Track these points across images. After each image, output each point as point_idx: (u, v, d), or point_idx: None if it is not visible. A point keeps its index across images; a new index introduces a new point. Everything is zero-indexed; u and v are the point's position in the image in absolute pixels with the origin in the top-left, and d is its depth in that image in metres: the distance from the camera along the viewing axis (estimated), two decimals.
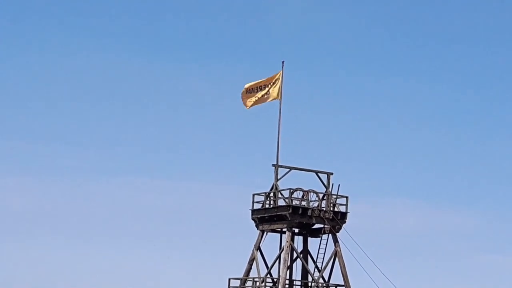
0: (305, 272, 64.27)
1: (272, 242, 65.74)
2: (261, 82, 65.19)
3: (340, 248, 62.86)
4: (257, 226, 64.16)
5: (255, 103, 65.18)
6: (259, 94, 64.70)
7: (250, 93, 65.21)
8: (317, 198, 63.01)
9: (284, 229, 62.63)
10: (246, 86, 65.24)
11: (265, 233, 63.88)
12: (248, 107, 65.95)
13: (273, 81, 64.29)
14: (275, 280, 62.83)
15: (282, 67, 64.41)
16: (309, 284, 64.15)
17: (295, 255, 63.65)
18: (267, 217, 63.44)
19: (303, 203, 62.50)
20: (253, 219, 64.19)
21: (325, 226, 62.94)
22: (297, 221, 62.04)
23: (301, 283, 64.43)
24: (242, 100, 65.41)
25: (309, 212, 62.16)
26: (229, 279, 64.12)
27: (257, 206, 64.08)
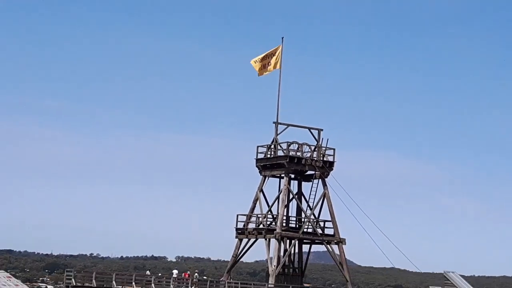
0: (299, 210, 71.96)
1: (272, 186, 72.62)
2: (266, 54, 71.21)
3: (328, 190, 70.43)
4: (260, 172, 71.60)
5: (263, 72, 71.58)
6: (265, 63, 71.10)
7: (260, 62, 71.22)
8: (309, 150, 70.41)
9: (282, 175, 70.29)
10: (255, 59, 71.59)
11: (267, 178, 71.32)
12: (259, 75, 72.02)
13: (275, 53, 70.86)
14: (274, 216, 70.43)
15: (282, 42, 71.46)
16: (302, 219, 71.08)
17: (291, 196, 70.93)
18: (268, 165, 70.73)
19: (298, 153, 69.94)
20: (257, 166, 71.69)
21: (316, 172, 70.64)
22: (293, 168, 69.92)
23: (296, 219, 71.68)
24: (255, 68, 71.71)
25: (303, 161, 69.81)
26: (237, 215, 71.94)
27: (261, 156, 71.34)
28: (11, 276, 69.71)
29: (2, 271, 73.55)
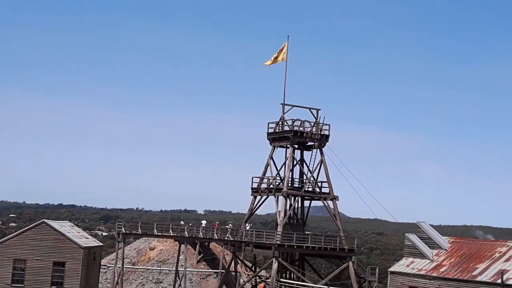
0: (301, 173, 72.42)
1: (280, 154, 72.86)
2: (277, 54, 71.04)
3: (324, 158, 70.65)
4: (270, 143, 71.79)
5: (272, 63, 71.42)
6: (274, 57, 71.14)
7: (272, 61, 71.20)
8: (309, 125, 70.51)
9: (288, 146, 70.72)
10: (267, 62, 71.79)
11: (275, 148, 71.65)
12: (268, 65, 71.77)
13: (283, 49, 70.63)
14: (282, 178, 70.71)
15: (288, 39, 71.30)
16: (304, 181, 71.49)
17: (295, 162, 71.30)
18: (276, 138, 71.02)
19: (300, 128, 70.04)
20: (268, 139, 71.82)
21: (315, 143, 70.62)
22: (296, 140, 70.23)
23: (299, 180, 72.14)
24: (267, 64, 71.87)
25: (304, 135, 69.96)
26: (252, 177, 72.52)
27: (271, 130, 71.42)
28: (73, 225, 70.33)
29: (67, 221, 74.25)
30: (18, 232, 64.48)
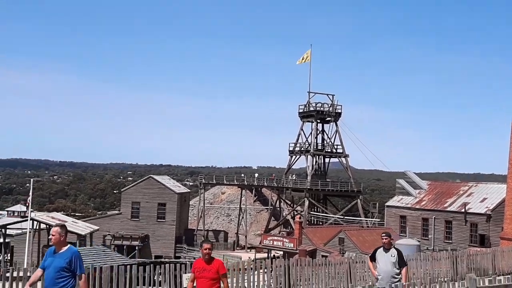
0: (322, 139, 72.07)
1: (307, 127, 72.60)
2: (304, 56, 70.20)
3: (338, 129, 70.10)
4: (301, 119, 71.32)
5: (301, 62, 70.34)
6: (302, 58, 70.32)
7: (301, 60, 69.83)
8: (327, 106, 70.07)
9: (313, 121, 70.37)
10: (298, 60, 70.41)
11: (304, 123, 71.21)
12: (298, 63, 70.94)
13: (308, 53, 69.88)
14: (309, 143, 70.55)
15: (311, 47, 71.19)
16: (324, 144, 71.32)
17: (318, 132, 71.21)
18: (305, 115, 70.65)
19: (321, 108, 69.67)
20: (299, 116, 71.40)
21: (332, 118, 70.12)
22: (319, 117, 69.88)
23: (321, 144, 71.60)
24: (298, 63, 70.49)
25: (324, 113, 69.69)
26: (289, 143, 72.37)
27: (301, 110, 70.95)
28: (170, 178, 71.59)
29: (166, 176, 75.51)
30: (134, 183, 65.95)
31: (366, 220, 61.37)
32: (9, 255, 51.60)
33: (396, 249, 10.36)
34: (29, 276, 11.95)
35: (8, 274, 11.92)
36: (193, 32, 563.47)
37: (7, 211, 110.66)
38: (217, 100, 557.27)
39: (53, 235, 7.28)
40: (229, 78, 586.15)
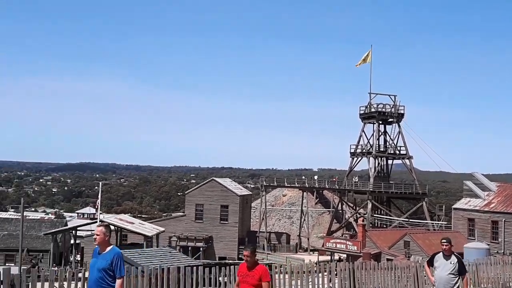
0: (385, 141, 70.57)
1: (369, 128, 70.64)
2: (364, 57, 68.90)
3: (401, 129, 68.65)
4: (362, 120, 70.19)
5: (360, 64, 69.22)
6: (362, 61, 69.14)
7: (361, 62, 68.79)
8: (389, 107, 68.45)
9: (374, 122, 68.93)
10: (357, 63, 69.28)
11: (365, 124, 70.01)
12: (356, 66, 69.92)
13: (368, 54, 68.71)
14: (371, 144, 69.22)
15: (371, 48, 70.20)
16: (387, 146, 69.86)
17: (380, 133, 69.60)
18: (366, 117, 69.43)
19: (383, 109, 68.22)
20: (360, 118, 70.27)
21: (394, 119, 68.70)
22: (381, 118, 68.52)
23: (383, 145, 70.24)
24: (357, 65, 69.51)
25: (386, 113, 68.29)
26: (350, 145, 71.27)
27: (362, 111, 69.74)
28: (232, 180, 72.24)
29: (228, 178, 76.33)
30: (197, 186, 67.07)
31: (432, 223, 59.63)
32: (79, 255, 53.78)
33: (456, 255, 10.22)
34: None
35: (80, 275, 12.30)
36: (257, 34, 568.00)
37: (77, 213, 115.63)
38: (277, 102, 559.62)
39: (97, 235, 7.19)
40: (289, 80, 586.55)
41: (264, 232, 64.90)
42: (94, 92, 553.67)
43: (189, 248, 57.41)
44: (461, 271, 10.04)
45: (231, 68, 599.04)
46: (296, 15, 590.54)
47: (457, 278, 10.02)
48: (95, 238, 7.19)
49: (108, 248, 7.18)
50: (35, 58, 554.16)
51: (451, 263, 10.01)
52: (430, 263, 10.46)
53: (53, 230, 49.02)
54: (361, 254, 42.05)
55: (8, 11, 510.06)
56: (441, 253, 10.22)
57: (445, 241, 10.20)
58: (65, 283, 11.60)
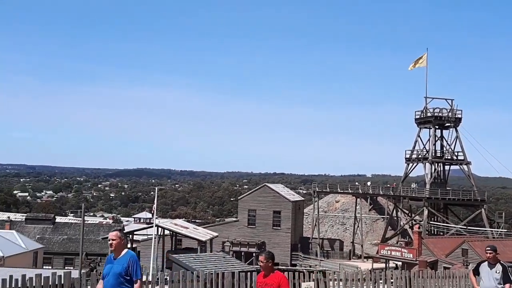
0: (441, 146, 68.76)
1: (425, 133, 70.05)
2: (417, 60, 67.45)
3: (459, 134, 66.70)
4: (417, 125, 68.64)
5: (413, 67, 67.52)
6: (415, 63, 67.53)
7: (413, 65, 67.41)
8: (446, 111, 66.68)
9: (431, 127, 67.28)
10: (410, 66, 67.57)
11: (421, 128, 68.39)
12: (410, 69, 68.09)
13: (422, 57, 66.97)
14: (427, 149, 67.57)
15: (427, 51, 67.99)
16: (444, 151, 67.99)
17: (436, 138, 67.89)
18: (422, 121, 67.87)
19: (440, 114, 66.47)
20: (415, 123, 68.71)
21: (451, 124, 66.75)
22: (437, 122, 66.71)
23: (440, 151, 68.43)
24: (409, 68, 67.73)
25: (443, 118, 66.43)
26: (405, 150, 69.85)
27: (417, 116, 68.17)
28: (284, 186, 72.11)
29: (280, 184, 76.27)
30: (249, 192, 67.41)
31: (492, 231, 57.47)
32: None
33: (502, 264, 9.96)
34: (156, 281, 12.64)
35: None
36: (313, 38, 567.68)
37: (134, 218, 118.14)
38: (330, 108, 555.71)
39: (113, 240, 6.99)
40: (341, 87, 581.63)
41: (316, 238, 64.41)
42: (151, 99, 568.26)
43: (242, 254, 57.66)
44: (505, 280, 9.80)
45: (285, 74, 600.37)
46: (353, 20, 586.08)
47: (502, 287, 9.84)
48: (111, 244, 7.01)
49: (123, 252, 7.05)
50: (92, 66, 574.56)
51: (496, 272, 9.83)
52: (476, 272, 10.27)
53: None
54: (417, 262, 41.01)
55: (68, 18, 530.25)
56: (486, 261, 10.03)
57: (489, 249, 10.00)
58: None
